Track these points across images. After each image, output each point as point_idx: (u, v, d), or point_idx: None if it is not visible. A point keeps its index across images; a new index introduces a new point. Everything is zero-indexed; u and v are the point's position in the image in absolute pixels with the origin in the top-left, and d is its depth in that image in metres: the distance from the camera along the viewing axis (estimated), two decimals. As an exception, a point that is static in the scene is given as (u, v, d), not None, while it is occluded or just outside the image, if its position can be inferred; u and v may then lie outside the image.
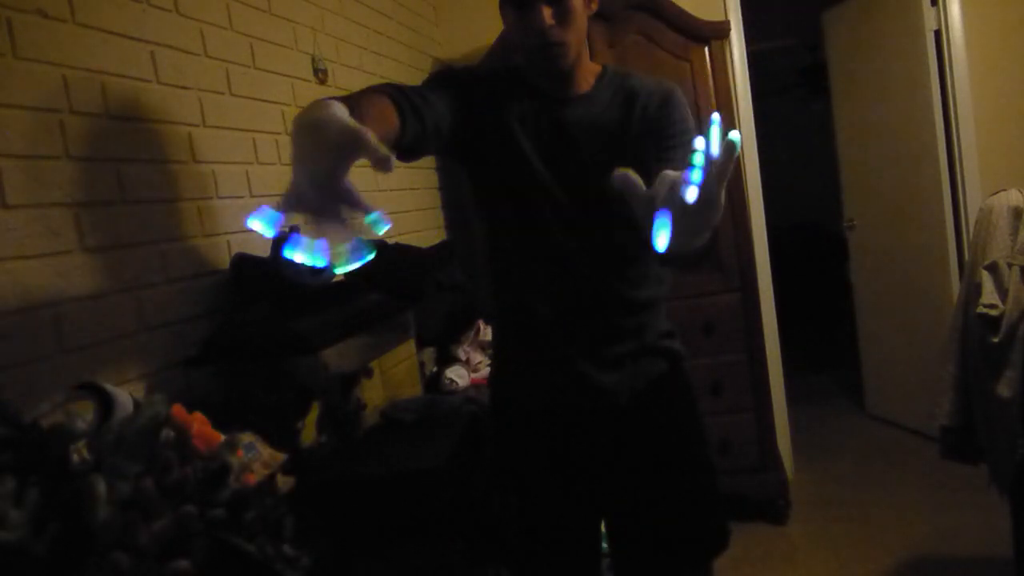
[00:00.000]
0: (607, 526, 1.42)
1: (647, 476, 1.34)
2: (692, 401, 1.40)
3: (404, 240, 2.30)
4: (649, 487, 1.34)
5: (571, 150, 1.28)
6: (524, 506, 1.39)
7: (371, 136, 0.73)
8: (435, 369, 2.21)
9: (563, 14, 1.21)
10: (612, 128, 1.29)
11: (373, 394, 1.76)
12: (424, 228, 2.74)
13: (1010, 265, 1.81)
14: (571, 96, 1.31)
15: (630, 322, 1.32)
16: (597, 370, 1.31)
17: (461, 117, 1.23)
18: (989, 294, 1.81)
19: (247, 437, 1.18)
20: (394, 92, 1.06)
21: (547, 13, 1.20)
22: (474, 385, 2.12)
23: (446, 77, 1.29)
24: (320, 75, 2.11)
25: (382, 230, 0.75)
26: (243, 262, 1.59)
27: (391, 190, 2.50)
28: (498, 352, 1.49)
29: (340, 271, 0.74)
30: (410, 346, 2.00)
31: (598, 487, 1.36)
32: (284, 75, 1.94)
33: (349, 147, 0.73)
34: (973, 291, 1.88)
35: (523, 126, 1.28)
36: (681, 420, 1.38)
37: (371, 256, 0.74)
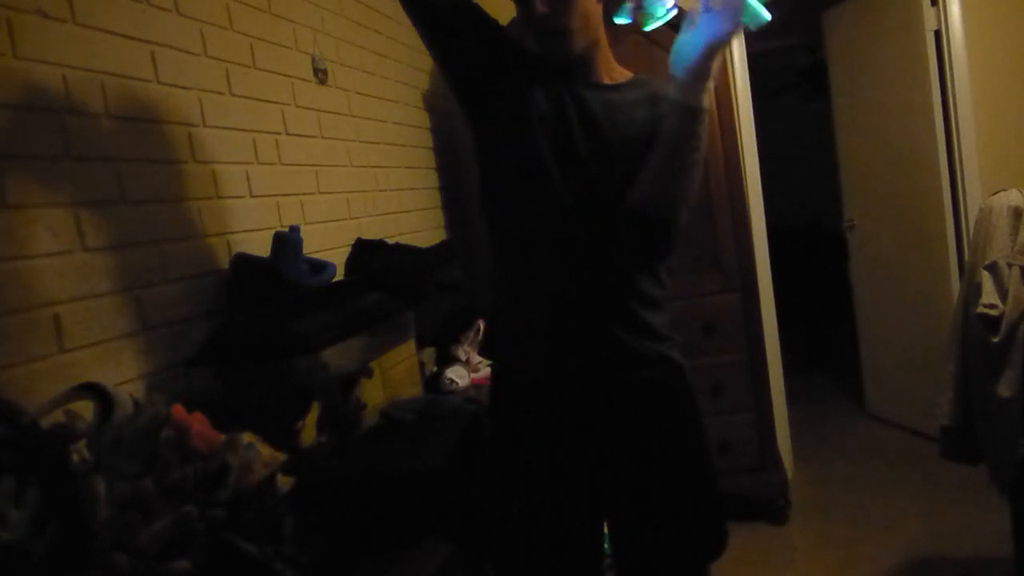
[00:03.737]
0: (609, 527, 1.42)
1: (648, 477, 1.34)
2: (694, 405, 1.40)
3: (404, 240, 2.30)
4: (650, 489, 1.34)
5: (589, 129, 1.26)
6: (524, 505, 1.38)
7: None
8: (435, 369, 2.21)
9: (557, 1, 1.22)
10: (636, 123, 1.26)
11: (373, 394, 1.76)
12: (424, 228, 2.74)
13: (1010, 265, 1.80)
14: (593, 83, 1.30)
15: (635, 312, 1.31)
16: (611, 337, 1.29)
17: (487, 58, 1.29)
18: (989, 294, 1.81)
19: (247, 437, 1.18)
20: None
21: (539, 0, 1.21)
22: (474, 385, 2.12)
23: (494, 27, 1.33)
24: (320, 75, 2.11)
25: None
26: (243, 262, 1.59)
27: (391, 190, 2.50)
28: (502, 331, 1.44)
29: None
30: (410, 346, 2.00)
31: (600, 486, 1.36)
32: (284, 75, 1.94)
33: None
34: (973, 291, 1.88)
35: (539, 101, 1.27)
36: (683, 423, 1.37)
37: None
